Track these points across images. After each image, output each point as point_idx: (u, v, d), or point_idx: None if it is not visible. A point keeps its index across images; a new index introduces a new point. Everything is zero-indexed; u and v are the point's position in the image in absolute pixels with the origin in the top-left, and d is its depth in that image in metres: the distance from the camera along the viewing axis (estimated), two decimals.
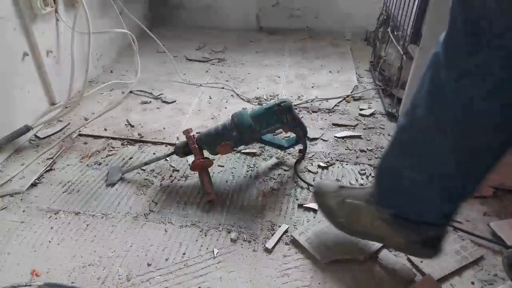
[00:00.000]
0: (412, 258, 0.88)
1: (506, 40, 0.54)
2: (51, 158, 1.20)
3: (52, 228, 0.96)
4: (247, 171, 1.17)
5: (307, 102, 1.53)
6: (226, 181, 1.13)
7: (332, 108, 1.49)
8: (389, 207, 0.81)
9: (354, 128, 1.37)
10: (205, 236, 0.95)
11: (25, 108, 1.28)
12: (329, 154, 1.24)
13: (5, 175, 1.13)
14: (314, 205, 1.02)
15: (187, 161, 1.19)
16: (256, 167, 1.18)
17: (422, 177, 0.75)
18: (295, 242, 0.92)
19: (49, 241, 0.93)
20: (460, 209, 0.79)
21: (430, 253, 0.81)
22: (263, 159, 1.22)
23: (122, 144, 1.28)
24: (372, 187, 0.87)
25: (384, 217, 0.82)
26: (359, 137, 1.32)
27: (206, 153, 1.09)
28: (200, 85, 1.66)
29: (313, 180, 1.12)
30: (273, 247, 0.91)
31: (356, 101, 1.54)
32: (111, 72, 1.77)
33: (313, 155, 1.23)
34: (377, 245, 0.90)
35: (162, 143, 1.29)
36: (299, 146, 1.21)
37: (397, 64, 1.39)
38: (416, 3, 1.19)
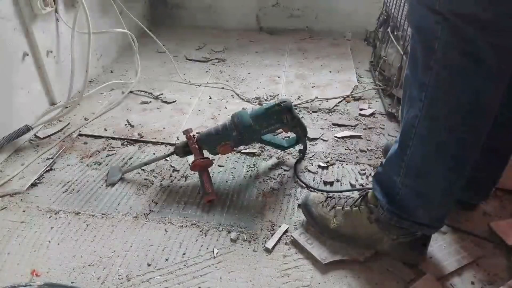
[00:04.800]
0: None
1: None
2: (51, 158, 1.20)
3: (52, 228, 0.96)
4: (247, 171, 1.17)
5: (307, 102, 1.53)
6: (226, 181, 1.13)
7: (332, 108, 1.49)
8: (383, 207, 0.82)
9: (354, 128, 1.37)
10: (205, 236, 0.95)
11: (25, 108, 1.28)
12: (329, 154, 1.24)
13: (5, 175, 1.13)
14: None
15: (187, 161, 1.19)
16: (256, 167, 1.18)
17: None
18: (295, 242, 0.92)
19: (49, 241, 0.93)
20: (451, 211, 0.81)
21: (416, 255, 0.85)
22: (263, 159, 1.22)
23: (122, 144, 1.28)
24: (365, 191, 0.90)
25: (377, 217, 0.83)
26: (359, 137, 1.32)
27: (206, 153, 1.09)
28: (200, 85, 1.66)
29: (313, 180, 1.13)
30: (273, 247, 0.91)
31: (356, 101, 1.54)
32: (111, 72, 1.77)
33: (313, 155, 1.23)
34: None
35: (162, 143, 1.29)
36: (299, 146, 1.21)
37: (397, 64, 1.39)
38: None
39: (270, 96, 1.58)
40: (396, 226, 0.82)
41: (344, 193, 1.06)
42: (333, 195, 1.00)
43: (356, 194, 0.97)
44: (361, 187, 1.09)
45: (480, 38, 0.59)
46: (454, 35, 0.60)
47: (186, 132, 1.08)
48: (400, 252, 0.85)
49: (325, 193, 1.02)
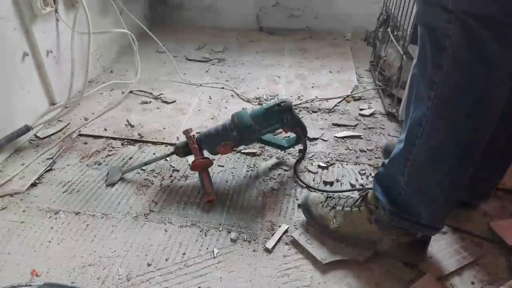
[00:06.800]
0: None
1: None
2: (51, 158, 1.20)
3: (52, 228, 0.96)
4: (247, 171, 1.16)
5: (307, 102, 1.53)
6: (226, 181, 1.13)
7: (332, 108, 1.49)
8: (384, 208, 0.82)
9: (354, 128, 1.37)
10: (205, 236, 0.95)
11: (25, 108, 1.28)
12: (329, 154, 1.24)
13: (5, 175, 1.13)
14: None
15: (187, 161, 1.19)
16: (256, 167, 1.18)
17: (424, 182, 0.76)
18: (295, 242, 0.92)
19: (49, 241, 0.93)
20: (451, 212, 0.80)
21: (416, 255, 0.85)
22: (263, 159, 1.22)
23: (122, 144, 1.28)
24: (365, 192, 0.90)
25: (377, 217, 0.83)
26: (359, 137, 1.32)
27: (206, 153, 1.09)
28: (200, 85, 1.66)
29: (313, 180, 1.12)
30: (273, 247, 0.91)
31: (356, 101, 1.54)
32: (111, 72, 1.77)
33: (313, 155, 1.23)
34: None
35: (162, 143, 1.29)
36: (299, 146, 1.21)
37: (397, 64, 1.39)
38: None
39: (270, 96, 1.58)
40: (397, 227, 0.81)
41: (344, 193, 1.06)
42: (333, 195, 1.00)
43: (356, 195, 0.97)
44: (361, 187, 1.09)
45: (491, 38, 0.59)
46: (466, 35, 0.60)
47: (186, 132, 1.08)
48: (400, 252, 0.85)
49: (325, 193, 1.02)
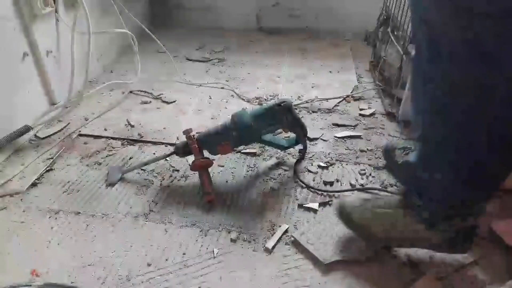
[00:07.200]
0: (412, 258, 0.88)
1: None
2: (51, 158, 1.20)
3: (52, 228, 0.96)
4: (247, 171, 1.16)
5: (307, 102, 1.53)
6: (226, 181, 1.13)
7: (332, 108, 1.49)
8: (424, 207, 0.80)
9: (354, 128, 1.37)
10: (205, 236, 0.95)
11: (25, 108, 1.28)
12: (329, 154, 1.24)
13: (5, 175, 1.13)
14: (314, 205, 1.02)
15: (187, 161, 1.19)
16: (256, 167, 1.18)
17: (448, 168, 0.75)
18: (295, 242, 0.92)
19: (49, 241, 0.93)
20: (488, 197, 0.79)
21: (466, 246, 0.83)
22: (263, 159, 1.22)
23: (122, 144, 1.28)
24: (403, 191, 0.86)
25: (422, 218, 0.81)
26: (359, 137, 1.32)
27: (206, 153, 1.09)
28: (200, 85, 1.66)
29: (313, 180, 1.12)
30: (273, 247, 0.91)
31: (356, 101, 1.54)
32: (111, 72, 1.77)
33: (313, 155, 1.23)
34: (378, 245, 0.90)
35: (162, 143, 1.29)
36: (299, 146, 1.21)
37: (397, 64, 1.39)
38: None
39: (270, 96, 1.58)
40: (441, 220, 0.79)
41: (380, 193, 1.05)
42: (369, 197, 0.96)
43: (395, 197, 0.91)
44: (361, 187, 1.09)
45: (487, 31, 0.58)
46: (461, 28, 0.59)
47: (186, 132, 1.08)
48: (449, 245, 0.82)
49: (360, 196, 0.99)
